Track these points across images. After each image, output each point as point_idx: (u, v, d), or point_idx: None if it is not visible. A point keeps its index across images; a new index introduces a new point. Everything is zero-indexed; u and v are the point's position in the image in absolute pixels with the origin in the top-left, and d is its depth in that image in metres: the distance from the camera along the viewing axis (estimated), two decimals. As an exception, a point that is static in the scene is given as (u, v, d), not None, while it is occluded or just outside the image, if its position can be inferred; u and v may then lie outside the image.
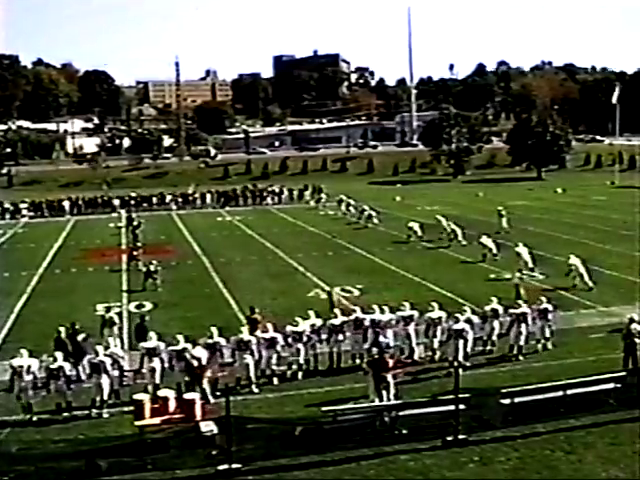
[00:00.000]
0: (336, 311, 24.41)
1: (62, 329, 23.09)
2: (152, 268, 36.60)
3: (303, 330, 22.84)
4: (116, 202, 75.00)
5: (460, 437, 17.12)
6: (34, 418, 19.47)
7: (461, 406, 17.48)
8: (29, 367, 20.30)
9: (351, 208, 62.15)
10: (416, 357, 23.66)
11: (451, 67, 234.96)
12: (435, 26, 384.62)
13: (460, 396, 17.49)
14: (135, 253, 41.90)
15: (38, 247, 51.23)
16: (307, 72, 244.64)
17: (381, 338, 22.70)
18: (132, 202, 75.29)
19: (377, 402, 18.92)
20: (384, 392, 19.19)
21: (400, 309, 24.29)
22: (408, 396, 19.34)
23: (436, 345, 23.57)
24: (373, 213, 56.25)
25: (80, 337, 23.08)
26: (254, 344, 21.82)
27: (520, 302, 25.06)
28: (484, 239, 40.86)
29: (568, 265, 33.46)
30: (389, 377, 19.38)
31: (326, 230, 53.66)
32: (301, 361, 22.84)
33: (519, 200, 71.32)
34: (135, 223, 54.07)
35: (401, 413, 17.96)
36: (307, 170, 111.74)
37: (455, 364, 20.88)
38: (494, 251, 39.89)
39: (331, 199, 70.70)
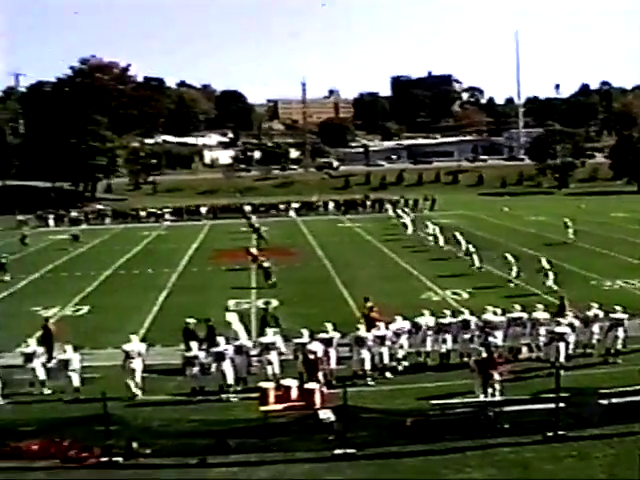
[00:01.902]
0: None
1: (190, 321, 23.77)
2: (266, 265, 37.78)
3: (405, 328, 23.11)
4: (247, 208, 76.36)
5: (559, 433, 16.78)
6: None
7: (561, 404, 17.14)
8: (139, 351, 21.11)
9: (430, 231, 51.79)
10: (521, 357, 23.37)
11: (557, 87, 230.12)
12: (541, 48, 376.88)
13: (561, 395, 17.18)
14: (254, 253, 42.54)
15: (178, 247, 52.67)
16: (422, 91, 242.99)
17: (490, 338, 22.53)
18: (250, 209, 76.88)
19: (482, 398, 18.76)
20: (490, 389, 19.01)
21: (510, 311, 24.06)
22: (511, 393, 19.05)
23: (541, 345, 23.22)
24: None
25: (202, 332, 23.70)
26: (370, 340, 21.94)
27: (568, 313, 24.15)
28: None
29: None
30: (496, 375, 19.18)
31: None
32: (428, 348, 23.17)
33: (620, 212, 69.16)
34: (257, 226, 55.29)
35: (505, 409, 17.71)
36: (422, 182, 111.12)
37: (556, 365, 20.53)
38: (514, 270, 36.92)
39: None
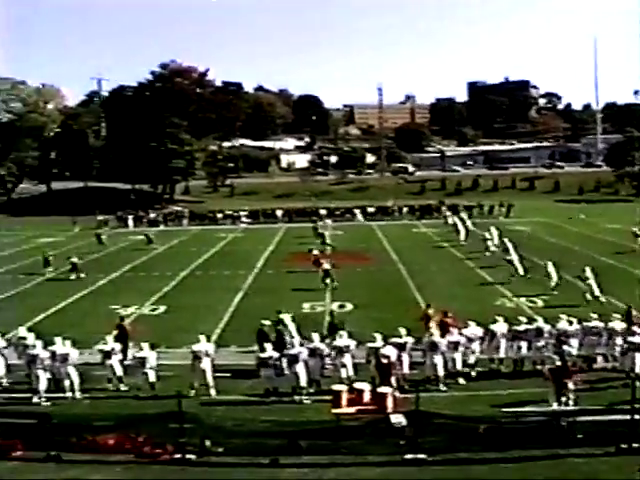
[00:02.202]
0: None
1: (265, 322, 24.00)
2: (326, 267, 38.19)
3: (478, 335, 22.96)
4: (323, 212, 76.64)
5: (634, 445, 16.34)
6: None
7: (637, 416, 16.68)
8: (207, 351, 21.34)
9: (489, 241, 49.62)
10: (596, 366, 22.89)
11: (635, 92, 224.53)
12: (620, 53, 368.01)
13: (636, 406, 16.73)
14: (316, 255, 42.64)
15: (254, 250, 53.13)
16: (499, 97, 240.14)
17: (565, 347, 22.13)
18: (325, 212, 77.39)
19: (556, 407, 18.42)
20: (563, 398, 18.65)
21: (587, 320, 23.59)
22: (585, 403, 18.65)
23: (617, 355, 22.71)
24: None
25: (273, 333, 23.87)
26: (443, 346, 21.78)
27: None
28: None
29: None
30: (570, 384, 18.82)
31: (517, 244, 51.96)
32: (502, 355, 22.95)
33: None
34: (321, 232, 55.54)
35: (578, 419, 17.34)
36: (497, 188, 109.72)
37: (632, 375, 20.04)
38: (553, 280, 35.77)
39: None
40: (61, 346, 21.86)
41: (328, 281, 37.47)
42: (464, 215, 67.28)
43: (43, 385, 21.22)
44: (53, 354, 21.74)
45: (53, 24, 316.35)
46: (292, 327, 24.90)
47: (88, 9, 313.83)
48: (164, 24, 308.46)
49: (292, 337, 23.77)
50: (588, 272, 33.76)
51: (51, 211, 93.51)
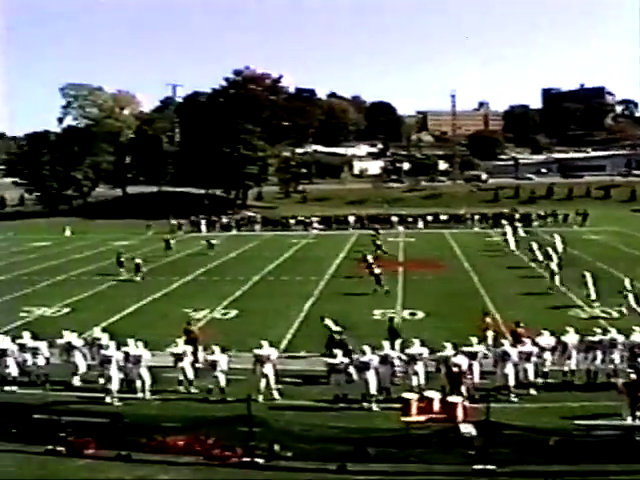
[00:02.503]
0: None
1: (329, 323, 24.10)
2: (377, 272, 38.65)
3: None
4: (394, 219, 76.50)
5: None
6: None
7: None
8: (268, 356, 21.42)
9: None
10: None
11: None
12: None
13: None
14: (371, 262, 42.54)
15: (325, 256, 53.31)
16: (574, 104, 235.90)
17: (640, 360, 21.63)
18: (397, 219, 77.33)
19: (630, 421, 18.01)
20: (638, 412, 18.23)
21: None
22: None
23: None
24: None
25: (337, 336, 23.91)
26: (515, 356, 21.52)
27: None
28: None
29: None
30: (645, 398, 18.39)
31: (591, 253, 51.31)
32: (574, 367, 22.54)
33: None
34: (374, 240, 55.51)
35: (654, 434, 16.94)
36: (572, 196, 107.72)
37: None
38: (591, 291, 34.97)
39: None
40: (134, 348, 22.30)
41: (385, 287, 37.90)
42: (516, 224, 66.36)
43: (115, 385, 21.68)
44: (126, 355, 22.21)
45: (129, 31, 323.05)
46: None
47: (164, 16, 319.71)
48: (238, 31, 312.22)
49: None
50: (626, 283, 33.40)
51: (126, 215, 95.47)
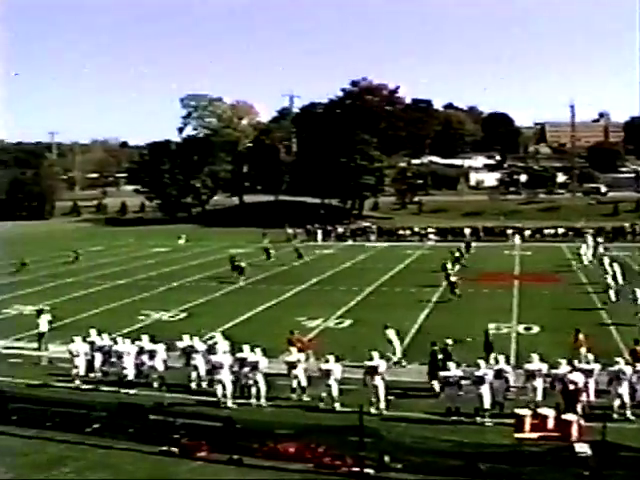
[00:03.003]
0: None
1: (448, 341, 23.93)
2: (453, 279, 40.35)
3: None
4: (510, 232, 75.19)
5: None
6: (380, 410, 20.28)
7: None
8: (377, 367, 21.36)
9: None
10: None
11: None
12: None
13: None
14: (453, 279, 41.90)
15: (440, 267, 52.85)
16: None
17: None
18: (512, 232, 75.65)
19: None
20: None
21: None
22: None
23: None
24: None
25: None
26: (630, 374, 20.79)
27: None
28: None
29: None
30: None
31: None
32: None
33: None
34: (458, 254, 55.02)
35: None
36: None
37: None
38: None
39: None
40: (251, 353, 22.63)
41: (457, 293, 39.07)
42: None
43: (229, 390, 22.10)
44: (242, 361, 22.61)
45: (247, 42, 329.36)
46: (397, 343, 25.73)
47: (282, 27, 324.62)
48: (355, 42, 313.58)
49: (394, 353, 24.64)
50: None
51: (242, 223, 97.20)
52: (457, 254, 54.11)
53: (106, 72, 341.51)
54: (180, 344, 24.97)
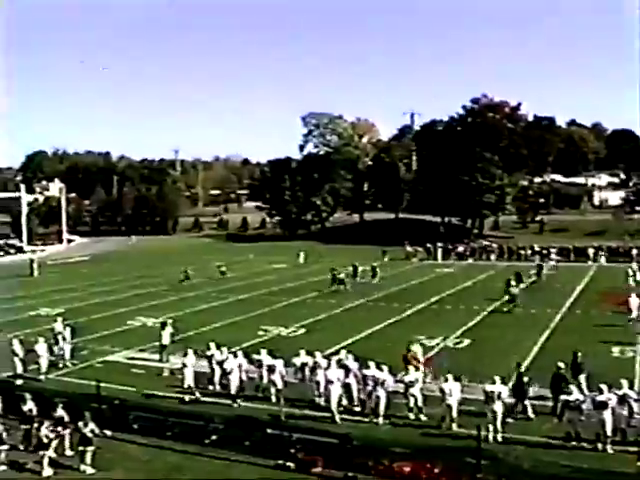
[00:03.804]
0: None
1: (561, 365, 23.19)
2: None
3: None
4: (635, 252, 72.71)
5: None
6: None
7: None
8: (499, 393, 20.79)
9: None
10: None
11: None
12: None
13: None
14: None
15: (563, 288, 51.74)
16: None
17: None
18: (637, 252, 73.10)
19: None
20: None
21: None
22: None
23: None
24: None
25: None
26: None
27: None
28: None
29: None
30: None
31: None
32: None
33: None
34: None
35: None
36: None
37: None
38: None
39: None
40: (376, 370, 22.62)
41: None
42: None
43: (334, 404, 22.36)
44: (364, 377, 22.71)
45: (369, 61, 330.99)
46: (420, 356, 25.76)
47: (400, 46, 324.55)
48: (475, 59, 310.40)
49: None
50: None
51: (362, 240, 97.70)
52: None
53: (230, 93, 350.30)
54: (297, 360, 25.28)
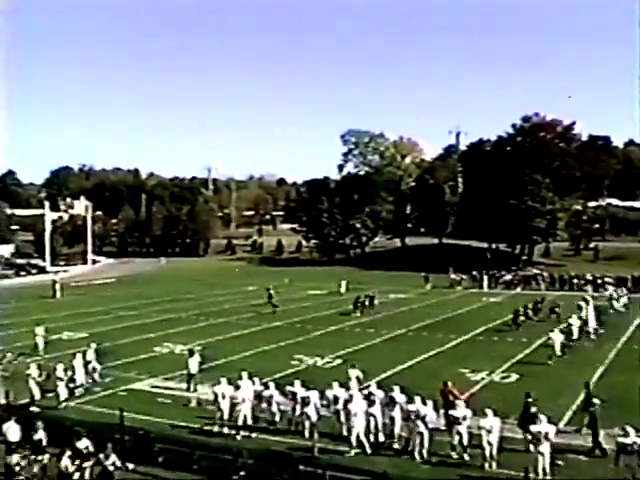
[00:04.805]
0: None
1: (596, 401, 23.03)
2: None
3: None
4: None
5: None
6: None
7: None
8: (547, 433, 20.41)
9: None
10: None
11: None
12: None
13: None
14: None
15: (620, 320, 51.01)
16: None
17: None
18: None
19: None
20: None
21: None
22: None
23: None
24: None
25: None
26: None
27: None
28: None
29: None
30: None
31: None
32: None
33: None
34: None
35: None
36: None
37: None
38: None
39: None
40: (421, 405, 22.28)
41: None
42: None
43: (362, 436, 22.22)
44: (408, 412, 22.46)
45: (412, 77, 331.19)
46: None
47: (447, 61, 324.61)
48: (525, 77, 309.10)
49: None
50: None
51: (403, 266, 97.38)
52: None
53: (266, 109, 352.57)
54: (330, 392, 24.95)
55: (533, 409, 22.42)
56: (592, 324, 45.52)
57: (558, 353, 37.34)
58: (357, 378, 27.44)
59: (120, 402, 26.62)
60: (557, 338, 38.08)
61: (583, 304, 47.78)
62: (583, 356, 38.39)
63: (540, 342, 42.39)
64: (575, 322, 42.58)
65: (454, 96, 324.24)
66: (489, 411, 21.59)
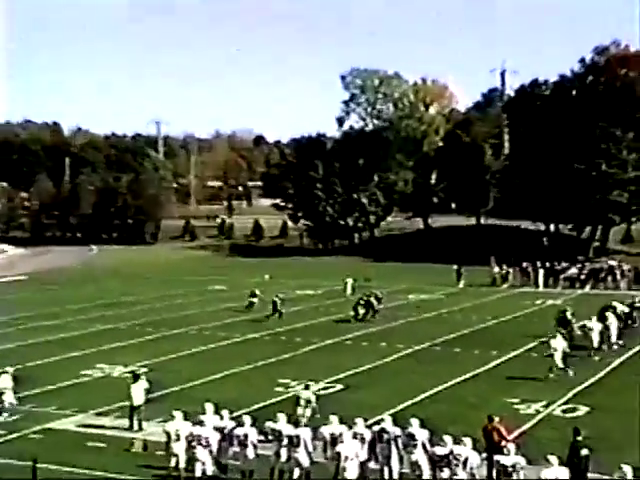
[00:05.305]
0: None
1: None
2: None
3: None
4: None
5: None
6: None
7: None
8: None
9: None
10: None
11: None
12: None
13: None
14: None
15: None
16: None
17: None
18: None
19: None
20: None
21: None
22: None
23: None
24: None
25: None
26: None
27: None
28: None
29: None
30: None
31: None
32: None
33: None
34: None
35: None
36: None
37: None
38: None
39: None
40: (455, 446, 22.27)
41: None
42: None
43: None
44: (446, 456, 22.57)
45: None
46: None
47: None
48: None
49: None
50: None
51: (427, 256, 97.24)
52: None
53: (234, 39, 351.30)
54: (326, 430, 24.85)
55: (584, 452, 22.44)
56: None
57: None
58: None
59: (33, 448, 26.47)
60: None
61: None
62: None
63: (620, 361, 42.48)
64: None
65: (497, 24, 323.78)
66: (554, 459, 21.48)
